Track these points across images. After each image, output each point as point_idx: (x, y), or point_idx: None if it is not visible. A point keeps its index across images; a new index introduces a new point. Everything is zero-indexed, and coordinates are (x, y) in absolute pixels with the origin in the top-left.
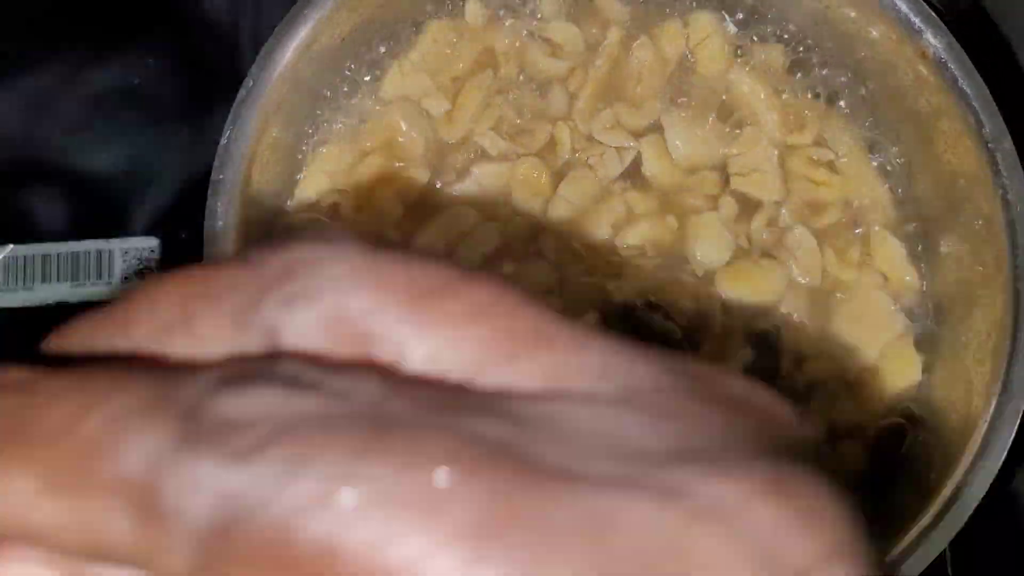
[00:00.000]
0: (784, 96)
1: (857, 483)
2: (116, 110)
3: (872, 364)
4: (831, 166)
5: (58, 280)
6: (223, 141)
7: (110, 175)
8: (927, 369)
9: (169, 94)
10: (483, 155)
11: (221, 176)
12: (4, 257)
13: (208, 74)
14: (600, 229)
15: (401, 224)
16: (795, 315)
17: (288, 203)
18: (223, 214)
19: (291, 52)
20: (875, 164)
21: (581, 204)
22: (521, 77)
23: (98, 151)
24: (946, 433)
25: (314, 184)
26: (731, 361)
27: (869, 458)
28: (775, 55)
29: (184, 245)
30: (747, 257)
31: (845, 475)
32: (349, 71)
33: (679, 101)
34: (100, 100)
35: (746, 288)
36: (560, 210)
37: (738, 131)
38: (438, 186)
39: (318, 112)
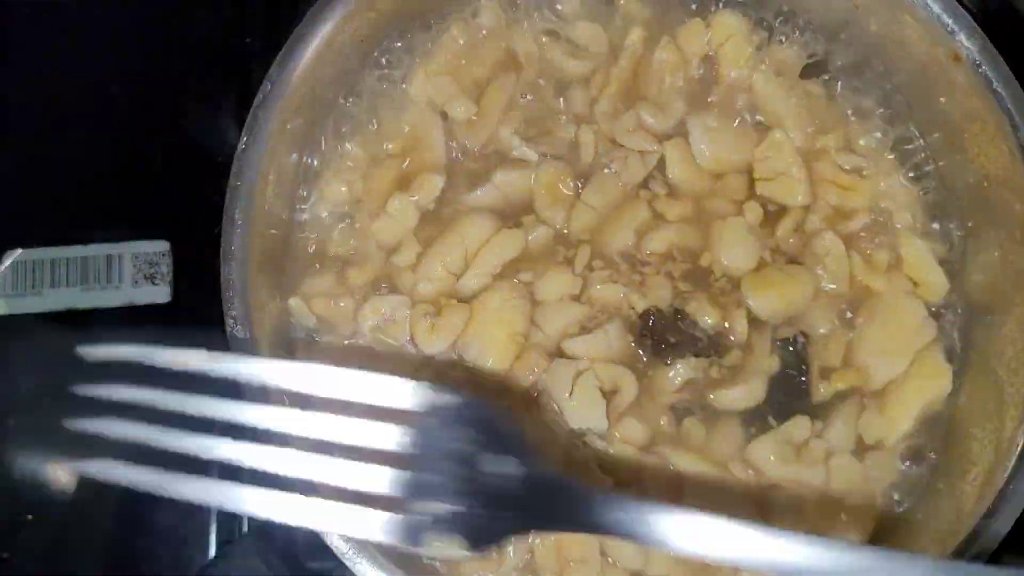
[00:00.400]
0: (809, 99)
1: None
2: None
3: (901, 373)
4: (859, 171)
5: (67, 285)
6: (240, 146)
7: (118, 178)
8: (957, 379)
9: (178, 96)
10: (505, 160)
11: (238, 182)
12: (13, 262)
13: (217, 76)
14: (624, 235)
15: (417, 232)
16: (822, 323)
17: (304, 208)
18: (240, 220)
19: (310, 53)
20: (904, 168)
21: (604, 210)
22: (542, 80)
23: (106, 154)
24: (975, 447)
25: (330, 190)
26: (757, 370)
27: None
28: (801, 57)
29: (195, 248)
30: (773, 263)
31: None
32: (368, 73)
33: (703, 103)
34: (110, 102)
35: (772, 295)
36: (583, 216)
37: (762, 135)
38: (458, 192)
39: (335, 116)
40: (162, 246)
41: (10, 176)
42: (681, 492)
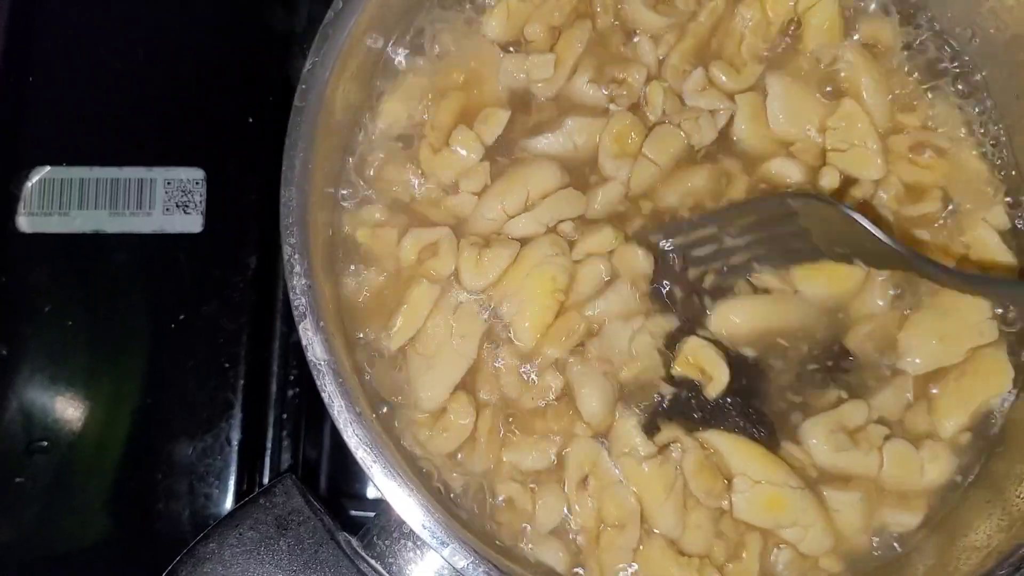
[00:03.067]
0: (893, 75)
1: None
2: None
3: (957, 366)
4: (937, 149)
5: (96, 207)
6: (307, 66)
7: (157, 101)
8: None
9: (223, 24)
10: (575, 108)
11: (303, 103)
12: (40, 179)
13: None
14: (682, 197)
15: (478, 169)
16: (873, 308)
17: (363, 136)
18: (303, 144)
19: None
20: (982, 150)
21: (666, 165)
22: (616, 25)
23: (146, 76)
24: None
25: (392, 116)
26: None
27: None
28: (888, 30)
29: (230, 177)
30: None
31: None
32: (442, 3)
33: (781, 67)
34: (153, 29)
35: (822, 281)
36: (644, 172)
37: (838, 104)
38: (518, 136)
39: (403, 44)
40: (197, 174)
41: (44, 93)
42: None
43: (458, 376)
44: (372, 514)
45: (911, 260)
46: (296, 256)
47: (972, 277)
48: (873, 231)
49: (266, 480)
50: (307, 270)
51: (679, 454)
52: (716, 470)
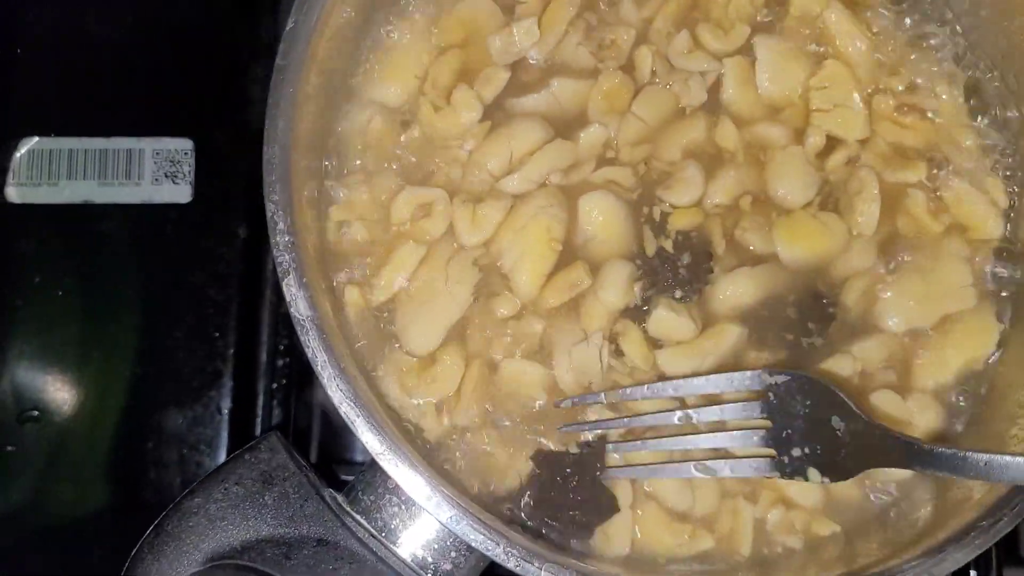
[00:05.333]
0: (879, 36)
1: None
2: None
3: (940, 324)
4: (921, 111)
5: (84, 177)
6: (289, 24)
7: (145, 71)
8: (1003, 343)
9: None
10: (564, 70)
11: (285, 61)
12: (28, 150)
13: None
14: (671, 152)
15: (476, 130)
16: (856, 270)
17: (351, 101)
18: (285, 103)
19: None
20: (970, 113)
21: (655, 124)
22: None
23: (133, 46)
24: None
25: (392, 77)
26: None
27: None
28: None
29: (218, 148)
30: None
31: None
32: None
33: (767, 29)
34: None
35: (802, 246)
36: (632, 128)
37: (822, 65)
38: (510, 96)
39: (390, 6)
40: (185, 144)
41: (31, 63)
42: None
43: (451, 320)
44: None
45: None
46: (279, 213)
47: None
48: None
49: None
50: (290, 226)
51: None
52: None
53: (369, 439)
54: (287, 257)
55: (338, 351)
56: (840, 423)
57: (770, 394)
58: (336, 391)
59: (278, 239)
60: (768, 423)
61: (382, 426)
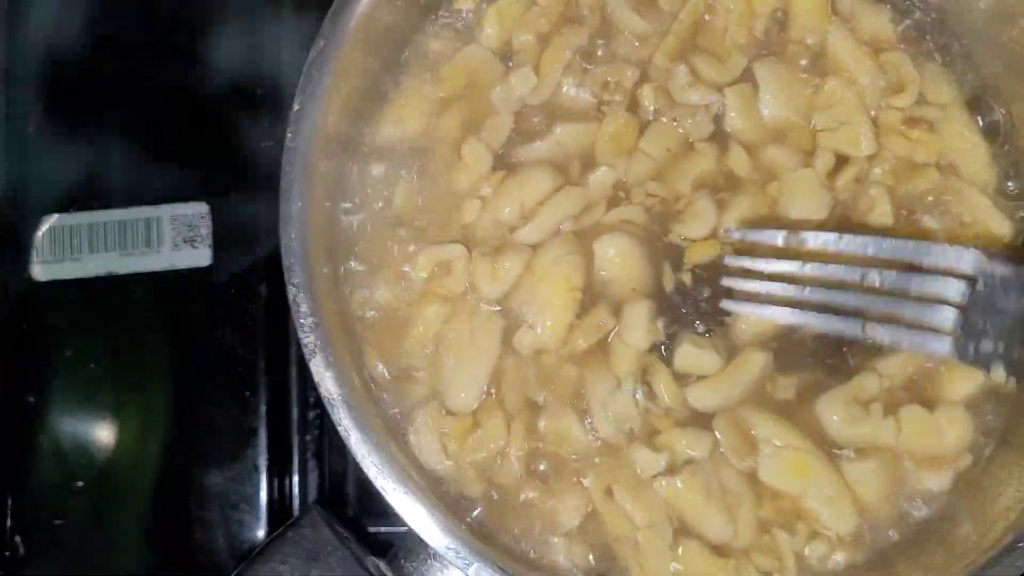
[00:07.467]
0: (883, 55)
1: None
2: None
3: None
4: (929, 124)
5: (106, 249)
6: (295, 107)
7: (158, 141)
8: None
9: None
10: (566, 114)
11: (294, 144)
12: (50, 227)
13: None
14: (681, 185)
15: (491, 179)
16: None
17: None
18: (298, 184)
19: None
20: (978, 125)
21: (663, 159)
22: (601, 36)
23: (144, 118)
24: None
25: (395, 130)
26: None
27: None
28: (877, 12)
29: (234, 208)
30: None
31: None
32: (429, 21)
33: (768, 56)
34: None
35: None
36: (641, 166)
37: (825, 85)
38: (514, 146)
39: (393, 72)
40: (201, 208)
41: (47, 142)
42: None
43: (485, 372)
44: (400, 528)
45: None
46: (301, 295)
47: None
48: None
49: (296, 503)
50: (313, 308)
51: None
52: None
53: (408, 511)
54: (312, 339)
55: (370, 425)
56: None
57: (980, 279)
58: (371, 466)
59: (302, 321)
60: (960, 305)
61: (419, 496)
